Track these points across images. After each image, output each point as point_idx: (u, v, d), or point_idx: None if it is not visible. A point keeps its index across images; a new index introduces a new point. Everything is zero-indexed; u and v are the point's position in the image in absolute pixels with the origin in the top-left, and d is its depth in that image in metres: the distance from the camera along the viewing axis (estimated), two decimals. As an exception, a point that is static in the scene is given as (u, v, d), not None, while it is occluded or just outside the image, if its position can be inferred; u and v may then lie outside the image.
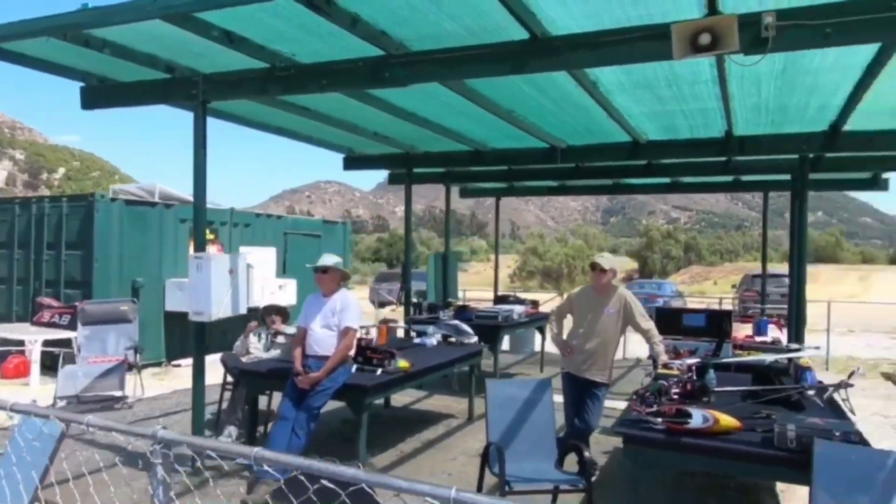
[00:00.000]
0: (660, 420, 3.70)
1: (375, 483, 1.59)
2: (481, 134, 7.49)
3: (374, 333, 6.38)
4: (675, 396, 4.07)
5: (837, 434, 3.37)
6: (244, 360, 6.25)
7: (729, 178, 10.15)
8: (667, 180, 10.51)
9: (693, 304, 20.87)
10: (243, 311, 5.39)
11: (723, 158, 8.01)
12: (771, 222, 12.35)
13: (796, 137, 6.71)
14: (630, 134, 6.97)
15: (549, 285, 46.57)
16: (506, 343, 11.87)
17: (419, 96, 5.82)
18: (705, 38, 3.33)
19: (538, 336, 10.44)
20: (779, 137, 6.78)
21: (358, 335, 5.35)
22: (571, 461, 4.48)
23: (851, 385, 4.18)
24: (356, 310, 5.13)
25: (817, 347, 6.58)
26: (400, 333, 7.89)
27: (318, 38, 4.27)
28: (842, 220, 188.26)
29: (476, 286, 26.29)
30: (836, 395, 4.40)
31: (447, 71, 4.28)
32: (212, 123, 6.64)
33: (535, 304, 10.21)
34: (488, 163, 8.54)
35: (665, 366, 4.73)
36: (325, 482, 1.62)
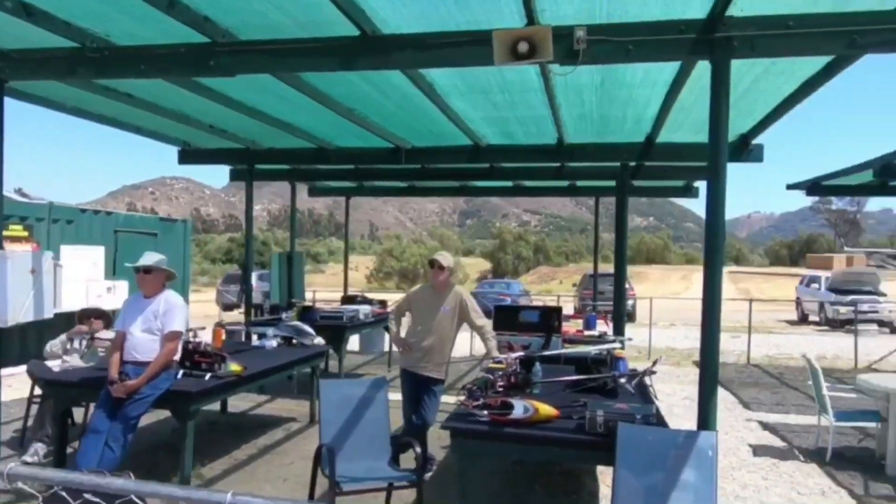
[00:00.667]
0: (485, 413, 3.83)
1: (147, 493, 1.48)
2: (324, 131, 7.36)
3: (203, 336, 6.04)
4: (501, 389, 4.24)
5: (639, 417, 3.68)
6: (55, 368, 5.65)
7: (565, 183, 10.82)
8: (509, 184, 10.98)
9: (538, 302, 22.05)
10: (49, 315, 4.87)
11: (557, 164, 8.50)
12: (611, 226, 13.32)
13: (617, 147, 7.29)
14: (470, 137, 7.18)
15: (406, 286, 47.04)
16: (355, 344, 11.83)
17: (255, 88, 5.60)
18: (524, 47, 3.50)
19: (388, 336, 10.49)
20: (603, 146, 7.33)
21: (185, 338, 5.05)
22: (410, 457, 4.52)
23: (655, 372, 4.60)
24: (182, 312, 4.82)
25: (630, 339, 7.18)
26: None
27: (134, 18, 3.96)
28: (669, 225, 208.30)
29: (331, 287, 25.96)
30: (645, 381, 4.83)
31: (276, 63, 4.15)
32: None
33: (382, 304, 10.23)
34: (333, 161, 8.41)
35: (495, 360, 4.91)
36: (88, 496, 1.48)
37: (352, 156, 8.41)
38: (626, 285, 10.46)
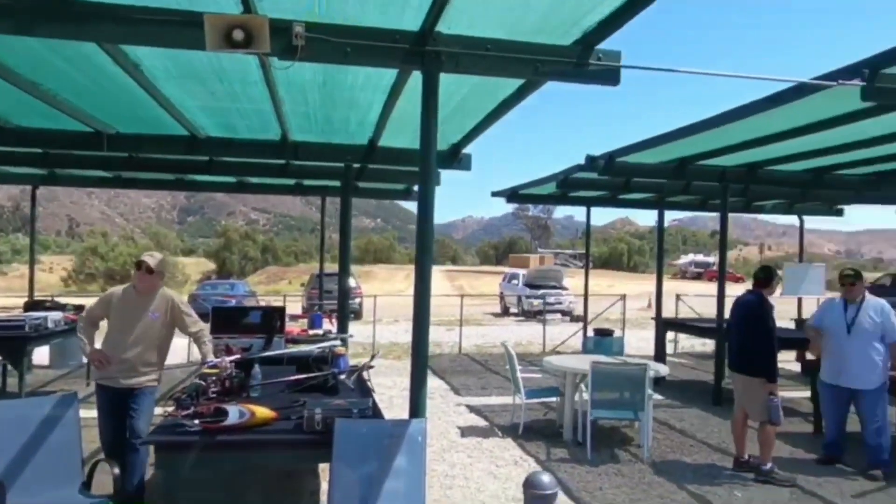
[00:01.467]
0: (196, 422, 3.58)
1: None
2: (-1, 107, 6.19)
3: None
4: (214, 395, 4.01)
5: (356, 412, 3.78)
6: None
7: (292, 182, 10.68)
8: (232, 179, 10.47)
9: (265, 302, 21.44)
10: None
11: (281, 161, 8.34)
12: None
13: (342, 148, 7.41)
14: (186, 127, 6.66)
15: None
16: (45, 357, 10.20)
17: None
18: (239, 35, 3.34)
19: (86, 346, 9.23)
20: (328, 146, 7.38)
21: None
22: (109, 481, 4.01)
23: (372, 367, 4.78)
24: None
25: (351, 336, 7.38)
26: None
27: None
28: (395, 227, 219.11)
29: (16, 291, 22.19)
30: (363, 376, 4.99)
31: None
32: None
33: (78, 308, 8.94)
34: (13, 143, 7.09)
35: (209, 365, 4.61)
36: None
37: (39, 138, 7.17)
38: (353, 284, 10.72)
